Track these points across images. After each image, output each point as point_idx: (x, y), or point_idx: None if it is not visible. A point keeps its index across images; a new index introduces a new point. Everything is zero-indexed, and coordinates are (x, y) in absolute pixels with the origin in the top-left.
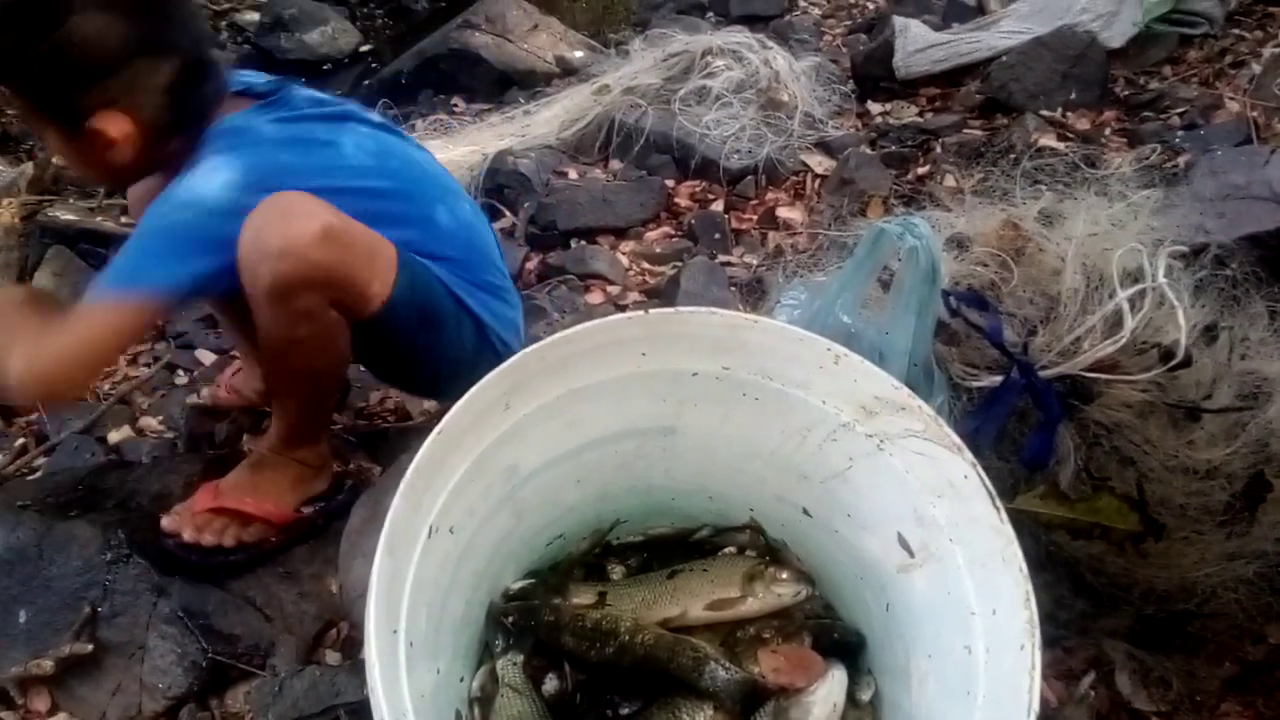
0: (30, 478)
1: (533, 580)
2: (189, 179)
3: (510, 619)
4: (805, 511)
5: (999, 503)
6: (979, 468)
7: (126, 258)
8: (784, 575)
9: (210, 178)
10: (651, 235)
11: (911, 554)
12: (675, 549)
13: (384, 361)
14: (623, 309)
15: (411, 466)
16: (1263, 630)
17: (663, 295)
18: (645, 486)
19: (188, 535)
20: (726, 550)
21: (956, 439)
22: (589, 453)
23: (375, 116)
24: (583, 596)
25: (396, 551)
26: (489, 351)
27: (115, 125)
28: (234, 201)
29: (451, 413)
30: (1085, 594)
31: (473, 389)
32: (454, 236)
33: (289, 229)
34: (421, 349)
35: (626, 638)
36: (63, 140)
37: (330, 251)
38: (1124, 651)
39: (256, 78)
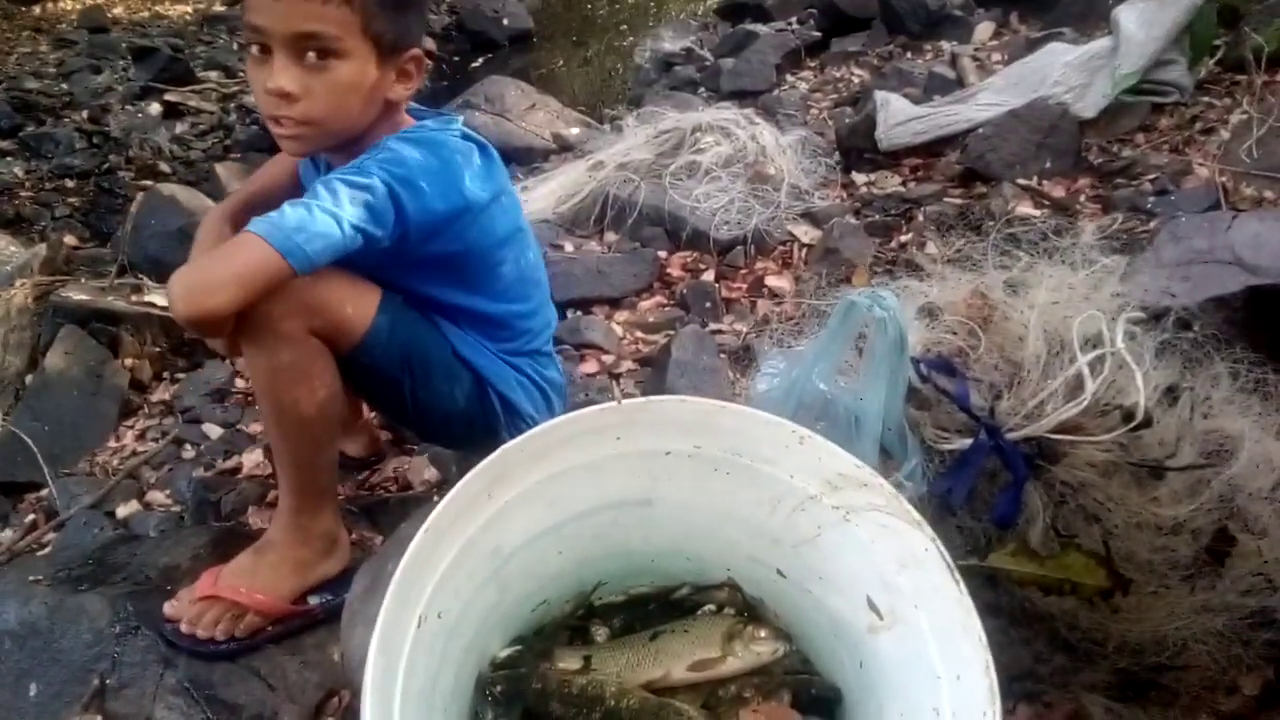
0: (40, 553)
1: (519, 647)
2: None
3: (499, 689)
4: (779, 572)
5: (958, 575)
6: (938, 542)
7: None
8: (762, 633)
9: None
10: (645, 305)
11: (880, 616)
12: (656, 607)
13: (372, 399)
14: (616, 378)
15: (400, 566)
16: (1235, 681)
17: (655, 363)
18: (624, 551)
19: (184, 626)
20: (706, 608)
21: (916, 515)
22: (569, 526)
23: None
24: (568, 661)
25: (389, 649)
26: (487, 410)
27: (419, 64)
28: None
29: (438, 509)
30: (1062, 649)
31: (457, 485)
32: (503, 296)
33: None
34: (409, 393)
35: (612, 702)
36: (365, 66)
37: (309, 280)
38: (1101, 705)
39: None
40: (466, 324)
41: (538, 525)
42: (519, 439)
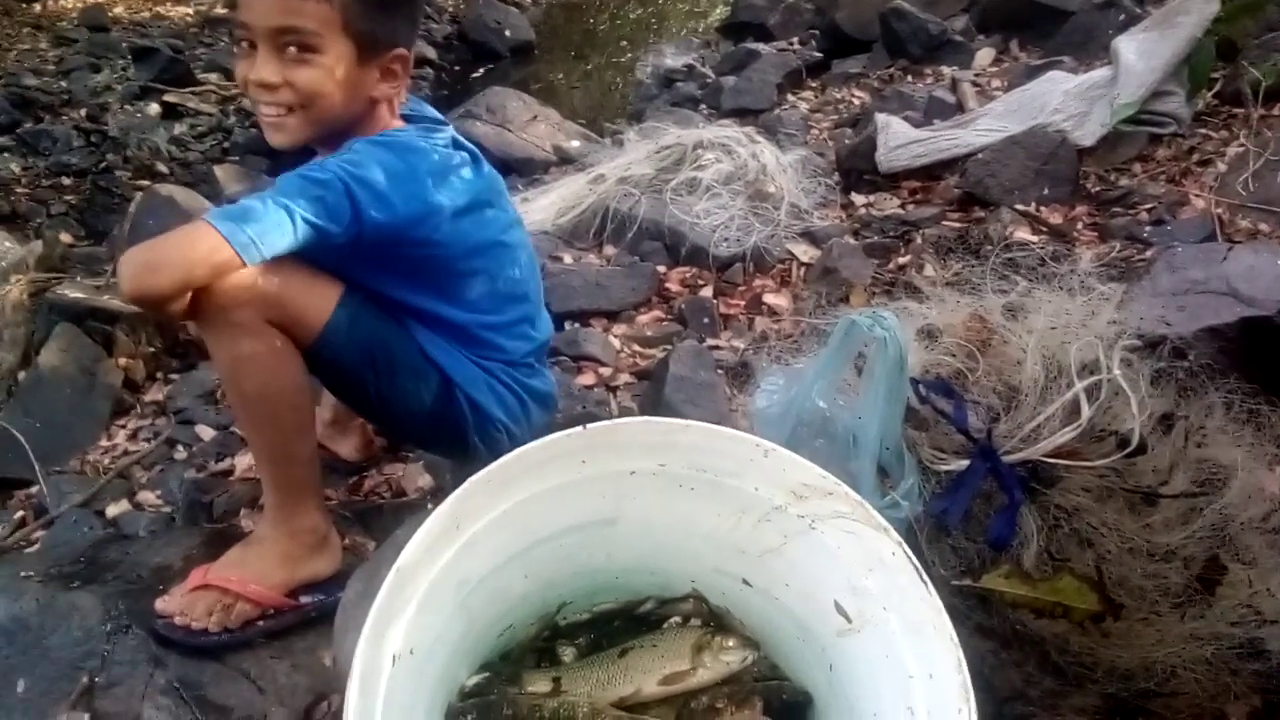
0: (29, 550)
1: (487, 674)
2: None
3: (469, 717)
4: (745, 581)
5: (925, 577)
6: (905, 546)
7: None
8: (730, 643)
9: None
10: (643, 319)
11: (849, 620)
12: (622, 623)
13: (340, 391)
14: (614, 390)
15: (374, 607)
16: (1222, 710)
17: (653, 377)
18: (589, 570)
19: (176, 618)
20: (672, 621)
21: (882, 521)
22: (535, 550)
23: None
24: (538, 684)
25: (367, 692)
26: (456, 411)
27: (405, 64)
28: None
29: (407, 550)
30: (1052, 672)
31: (426, 522)
32: (474, 307)
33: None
34: (373, 389)
35: None
36: (344, 62)
37: (261, 271)
38: None
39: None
40: (434, 328)
41: (504, 552)
42: (483, 471)
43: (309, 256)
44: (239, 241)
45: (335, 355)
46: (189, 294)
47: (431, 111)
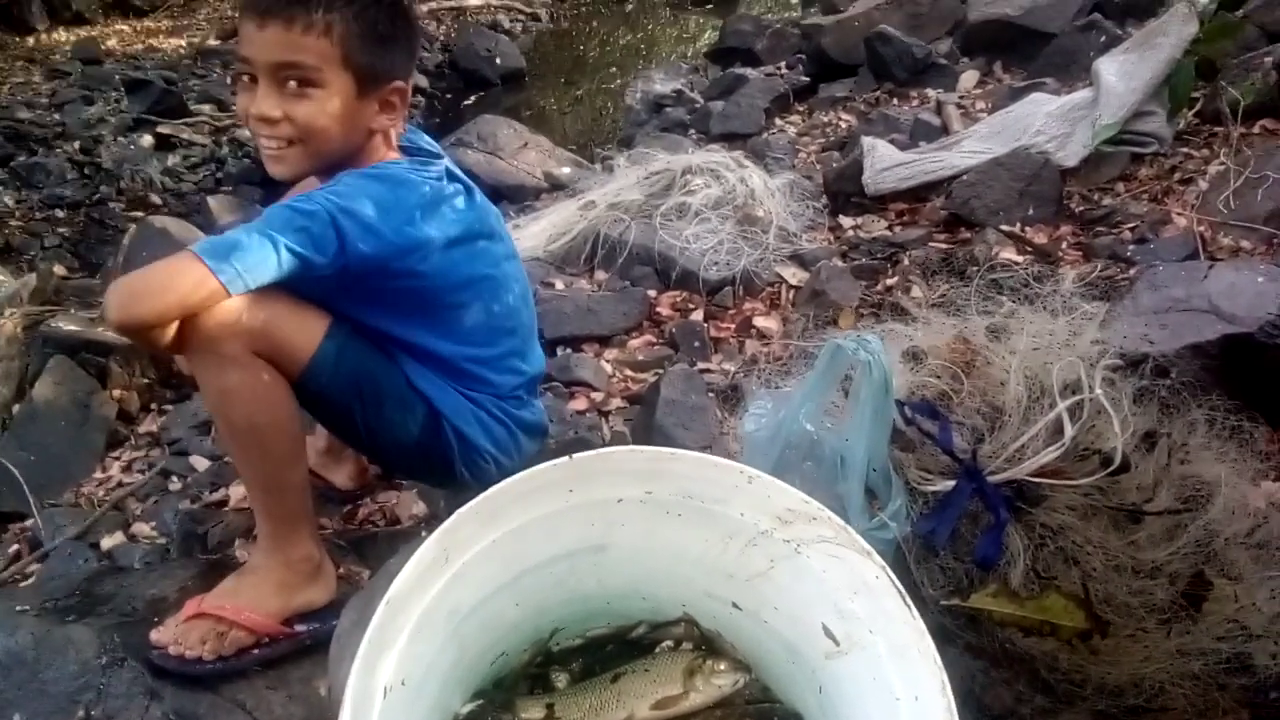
0: (24, 584)
1: (481, 701)
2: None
3: None
4: (735, 605)
5: (909, 600)
6: (888, 570)
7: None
8: (722, 666)
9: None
10: (634, 343)
11: (837, 642)
12: (615, 647)
13: (328, 425)
14: (606, 415)
15: (365, 639)
16: None
17: (644, 401)
18: (580, 597)
19: (170, 647)
20: (664, 645)
21: (865, 545)
22: (525, 579)
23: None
24: (531, 711)
25: None
26: (443, 443)
27: (403, 97)
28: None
29: (397, 582)
30: (1042, 690)
31: (415, 554)
32: (463, 340)
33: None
34: (360, 420)
35: None
36: (343, 96)
37: (249, 302)
38: None
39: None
40: (421, 360)
41: (494, 582)
42: (472, 503)
43: (296, 288)
44: (225, 274)
45: (322, 387)
46: (175, 324)
47: (428, 142)
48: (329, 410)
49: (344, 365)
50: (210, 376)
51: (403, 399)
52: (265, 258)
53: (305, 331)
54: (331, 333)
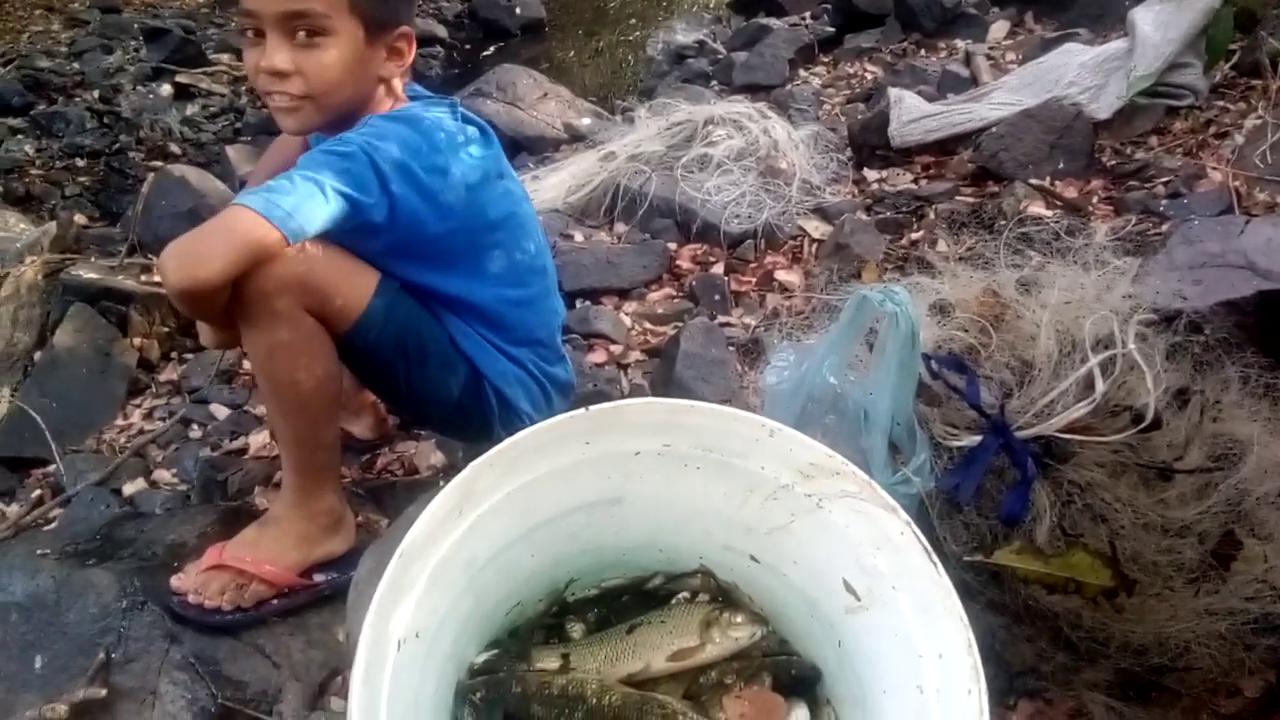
0: (46, 528)
1: (496, 651)
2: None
3: (479, 695)
4: (753, 558)
5: (935, 557)
6: (913, 525)
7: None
8: (739, 619)
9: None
10: (654, 296)
11: (858, 598)
12: (630, 598)
13: (368, 382)
14: (625, 368)
15: (377, 594)
16: (1236, 684)
17: (663, 355)
18: (597, 548)
19: (190, 596)
20: (680, 597)
21: (890, 500)
22: (541, 531)
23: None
24: (546, 661)
25: (372, 679)
26: (483, 404)
27: (410, 42)
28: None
29: (411, 534)
30: (1065, 647)
31: (428, 506)
32: (499, 282)
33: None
34: (403, 379)
35: (594, 700)
36: (353, 43)
37: (302, 258)
38: (1103, 704)
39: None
40: (465, 315)
41: (510, 533)
42: (487, 454)
43: (348, 246)
44: (275, 216)
45: (369, 344)
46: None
47: (427, 94)
48: (372, 367)
49: (392, 323)
50: (261, 334)
51: (446, 359)
52: (315, 201)
53: (356, 287)
54: (381, 289)
